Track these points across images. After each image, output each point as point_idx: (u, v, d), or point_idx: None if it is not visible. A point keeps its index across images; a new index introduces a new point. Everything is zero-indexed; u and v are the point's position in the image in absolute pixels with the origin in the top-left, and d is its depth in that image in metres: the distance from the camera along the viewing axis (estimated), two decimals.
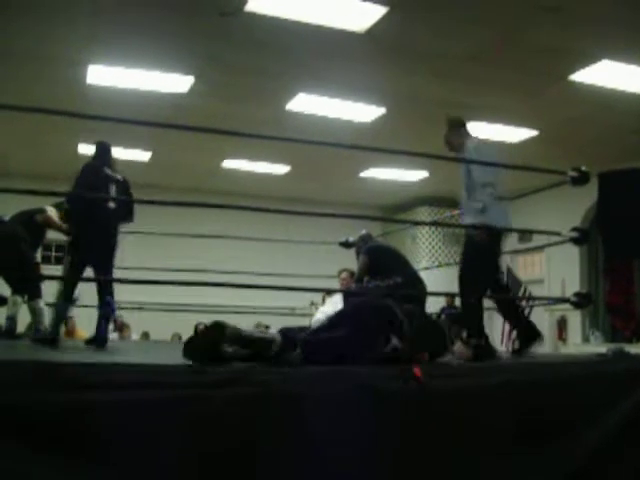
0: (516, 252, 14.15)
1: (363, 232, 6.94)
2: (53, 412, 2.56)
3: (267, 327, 9.72)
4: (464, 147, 5.38)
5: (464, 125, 5.72)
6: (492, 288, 5.32)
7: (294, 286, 6.15)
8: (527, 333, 5.49)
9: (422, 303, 6.07)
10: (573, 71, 8.21)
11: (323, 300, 9.15)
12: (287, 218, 12.84)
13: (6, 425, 2.46)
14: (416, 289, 6.00)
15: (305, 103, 9.35)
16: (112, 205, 5.75)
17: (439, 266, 12.65)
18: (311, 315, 9.77)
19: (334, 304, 7.31)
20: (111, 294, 5.84)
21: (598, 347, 8.24)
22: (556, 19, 6.94)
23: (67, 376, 2.71)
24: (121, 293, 7.14)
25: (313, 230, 11.04)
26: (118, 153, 11.16)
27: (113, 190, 5.81)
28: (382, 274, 6.02)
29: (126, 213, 6.00)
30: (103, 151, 6.10)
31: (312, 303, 11.40)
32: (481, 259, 4.91)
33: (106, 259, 5.75)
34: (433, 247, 15.12)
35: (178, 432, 2.74)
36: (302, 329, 7.70)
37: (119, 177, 5.95)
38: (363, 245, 6.63)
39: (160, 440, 2.71)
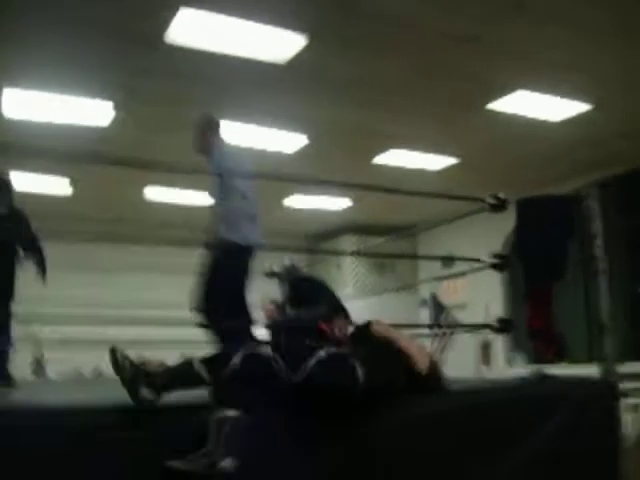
0: (439, 278, 14.36)
1: (286, 262, 6.92)
2: None
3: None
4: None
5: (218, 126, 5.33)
6: None
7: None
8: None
9: None
10: (490, 100, 8.42)
11: None
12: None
13: None
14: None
15: (229, 131, 9.31)
16: None
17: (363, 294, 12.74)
18: None
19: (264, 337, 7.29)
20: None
21: (521, 369, 8.38)
22: (474, 50, 7.12)
23: None
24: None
25: None
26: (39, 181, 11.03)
27: None
28: (306, 305, 6.01)
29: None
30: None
31: None
32: None
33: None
34: (357, 274, 15.22)
35: None
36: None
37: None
38: (287, 276, 6.62)
39: None
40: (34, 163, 9.60)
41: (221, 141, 5.20)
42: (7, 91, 7.85)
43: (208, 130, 5.18)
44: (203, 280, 4.93)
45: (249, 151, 9.77)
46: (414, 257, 16.69)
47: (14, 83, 7.71)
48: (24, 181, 10.43)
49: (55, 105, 8.17)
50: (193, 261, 5.20)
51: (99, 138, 8.98)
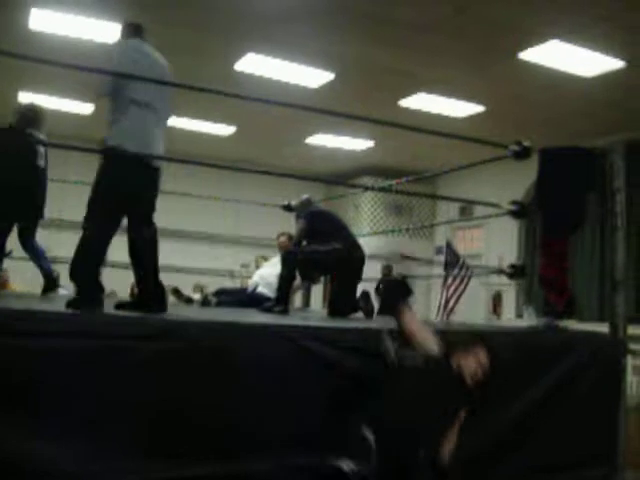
0: (456, 221, 14.36)
1: (304, 197, 6.91)
2: None
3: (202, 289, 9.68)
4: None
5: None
6: None
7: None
8: None
9: (359, 269, 6.14)
10: (523, 48, 8.26)
11: (256, 263, 9.07)
12: (229, 179, 12.76)
13: None
14: (354, 255, 6.04)
15: (254, 64, 9.24)
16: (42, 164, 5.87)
17: (376, 233, 12.75)
18: (243, 277, 9.72)
19: (272, 266, 7.32)
20: None
21: (531, 322, 8.41)
22: None
23: None
24: (57, 248, 7.04)
25: (256, 194, 11.00)
26: (61, 104, 11.00)
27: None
28: (321, 239, 6.02)
29: None
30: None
31: (242, 265, 11.29)
32: None
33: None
34: (375, 216, 15.22)
35: (107, 381, 2.73)
36: (239, 291, 7.72)
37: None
38: (303, 209, 6.60)
39: (89, 389, 2.70)
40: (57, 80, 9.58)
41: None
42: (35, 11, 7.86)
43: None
44: None
45: (275, 83, 9.72)
46: (432, 197, 16.66)
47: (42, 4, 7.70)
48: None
49: (80, 25, 8.17)
50: None
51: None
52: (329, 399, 3.17)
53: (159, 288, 4.01)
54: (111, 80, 4.02)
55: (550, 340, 4.35)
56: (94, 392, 2.71)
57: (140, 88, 4.03)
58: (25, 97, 10.90)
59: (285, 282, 5.88)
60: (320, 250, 5.89)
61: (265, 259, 8.66)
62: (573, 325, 4.81)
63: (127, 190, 3.86)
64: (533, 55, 8.40)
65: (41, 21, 8.11)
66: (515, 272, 4.60)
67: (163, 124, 4.23)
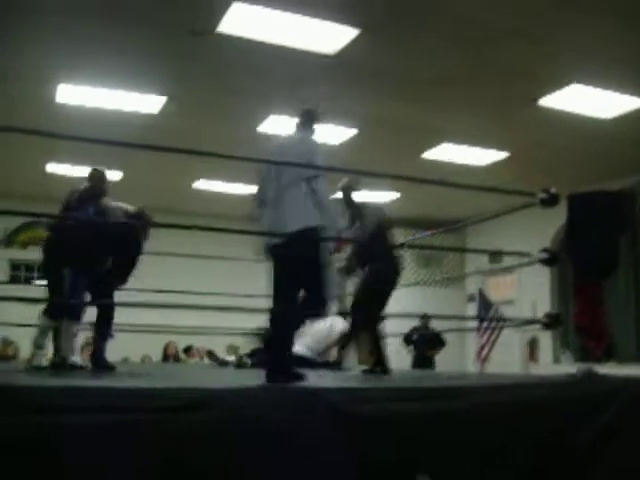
0: (487, 271, 14.27)
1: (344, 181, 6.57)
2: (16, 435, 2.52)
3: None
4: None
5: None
6: None
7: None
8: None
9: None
10: (542, 95, 8.31)
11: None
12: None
13: None
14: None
15: (277, 124, 9.36)
16: None
17: (405, 285, 12.71)
18: None
19: (307, 324, 7.28)
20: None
21: (569, 367, 8.29)
22: (523, 42, 7.03)
23: (22, 399, 2.67)
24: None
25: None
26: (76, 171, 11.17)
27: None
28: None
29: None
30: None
31: None
32: None
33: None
34: (406, 269, 15.16)
35: (140, 457, 2.70)
36: None
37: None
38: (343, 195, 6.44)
39: (122, 466, 2.67)
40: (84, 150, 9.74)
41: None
42: (61, 86, 8.07)
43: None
44: None
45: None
46: (463, 250, 16.59)
47: (67, 78, 7.90)
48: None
49: (106, 96, 8.36)
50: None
51: (148, 127, 9.10)
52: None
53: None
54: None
55: (590, 388, 4.27)
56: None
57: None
58: (53, 168, 11.12)
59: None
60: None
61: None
62: (613, 368, 4.74)
63: None
64: (553, 100, 8.44)
65: (67, 94, 8.31)
66: (551, 322, 4.56)
67: None
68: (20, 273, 13.82)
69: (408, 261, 15.11)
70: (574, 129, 9.30)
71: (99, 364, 5.63)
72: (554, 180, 5.10)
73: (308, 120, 4.80)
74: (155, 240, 9.02)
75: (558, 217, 5.67)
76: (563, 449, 3.65)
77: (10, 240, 12.12)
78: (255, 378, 4.20)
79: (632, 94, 8.30)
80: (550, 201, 4.64)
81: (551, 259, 4.69)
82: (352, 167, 5.99)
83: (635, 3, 6.24)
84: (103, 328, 5.74)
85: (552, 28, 6.76)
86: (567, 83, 7.98)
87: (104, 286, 5.73)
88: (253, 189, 4.87)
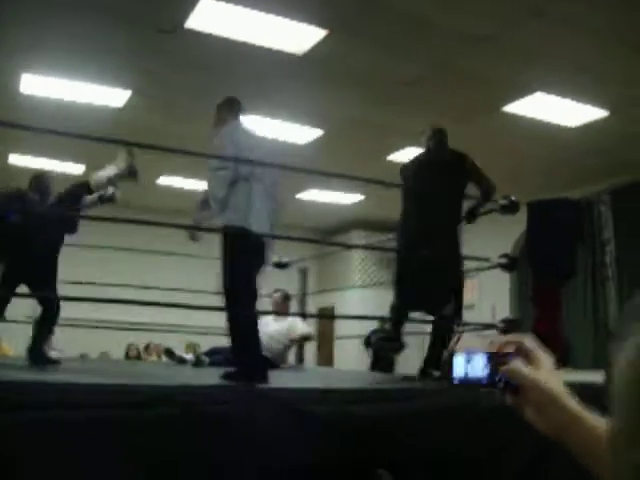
0: None
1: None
2: None
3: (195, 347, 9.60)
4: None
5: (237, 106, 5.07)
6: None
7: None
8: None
9: None
10: (506, 102, 8.39)
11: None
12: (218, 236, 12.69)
13: None
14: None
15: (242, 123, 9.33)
16: None
17: (363, 286, 12.74)
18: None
19: (264, 325, 7.27)
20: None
21: None
22: (491, 50, 7.10)
23: None
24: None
25: None
26: (51, 165, 11.06)
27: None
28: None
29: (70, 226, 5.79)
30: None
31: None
32: None
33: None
34: (366, 270, 15.20)
35: (101, 453, 2.69)
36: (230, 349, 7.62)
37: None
38: None
39: (82, 461, 2.66)
40: (47, 142, 9.62)
41: (236, 121, 4.93)
42: (25, 76, 7.96)
43: (225, 107, 5.07)
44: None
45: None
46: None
47: (31, 69, 7.80)
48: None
49: (71, 88, 8.27)
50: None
51: (113, 121, 9.03)
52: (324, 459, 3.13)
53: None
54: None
55: None
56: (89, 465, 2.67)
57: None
58: (15, 159, 10.98)
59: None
60: None
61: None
62: (568, 374, 4.80)
63: None
64: (518, 107, 8.53)
65: (32, 85, 8.21)
66: (508, 327, 4.61)
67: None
68: None
69: (368, 263, 15.18)
70: (539, 137, 9.40)
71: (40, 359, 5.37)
72: (520, 188, 5.16)
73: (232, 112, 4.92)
74: (120, 236, 8.90)
75: (520, 223, 5.72)
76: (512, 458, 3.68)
77: None
78: (212, 376, 4.20)
79: (596, 104, 8.41)
80: (510, 208, 4.70)
81: (510, 264, 4.75)
82: (317, 167, 5.99)
83: (603, 16, 6.32)
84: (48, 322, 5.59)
85: (520, 37, 6.83)
86: (532, 91, 8.07)
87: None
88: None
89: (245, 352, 4.20)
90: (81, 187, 5.77)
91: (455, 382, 1.04)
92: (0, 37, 7.12)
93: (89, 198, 5.69)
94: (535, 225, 4.80)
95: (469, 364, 1.03)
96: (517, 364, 1.01)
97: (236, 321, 4.24)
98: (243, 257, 4.23)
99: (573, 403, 0.99)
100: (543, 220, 4.73)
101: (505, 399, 1.00)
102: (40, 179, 5.87)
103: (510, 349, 1.02)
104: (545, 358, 1.03)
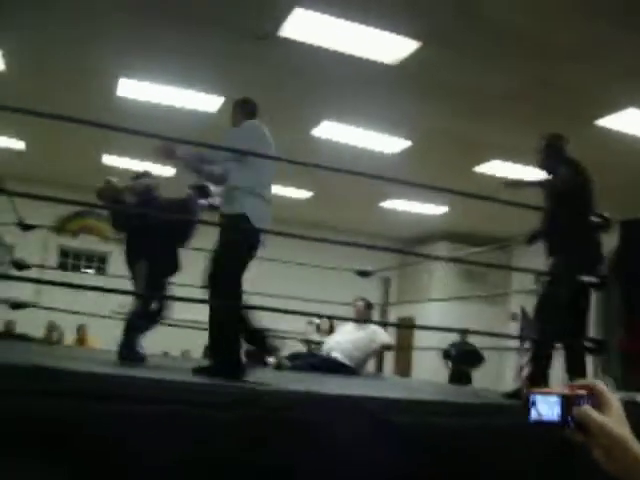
0: (531, 292, 14.07)
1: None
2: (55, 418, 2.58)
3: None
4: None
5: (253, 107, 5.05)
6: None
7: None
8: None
9: None
10: (599, 116, 8.23)
11: (318, 328, 8.98)
12: (303, 243, 12.81)
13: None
14: None
15: (330, 130, 9.41)
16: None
17: (447, 300, 12.62)
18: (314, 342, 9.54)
19: (349, 332, 7.30)
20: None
21: None
22: (586, 65, 6.98)
23: (73, 385, 2.73)
24: None
25: (324, 256, 10.97)
26: (143, 167, 11.33)
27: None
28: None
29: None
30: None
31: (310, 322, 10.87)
32: None
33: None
34: (448, 282, 15.07)
35: (181, 450, 2.73)
36: (312, 355, 7.68)
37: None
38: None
39: (162, 456, 2.71)
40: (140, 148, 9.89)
41: (248, 122, 4.84)
42: (123, 81, 8.24)
43: (238, 108, 5.08)
44: None
45: (351, 149, 9.86)
46: (507, 268, 16.41)
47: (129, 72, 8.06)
48: None
49: (166, 93, 8.52)
50: None
51: (208, 126, 9.20)
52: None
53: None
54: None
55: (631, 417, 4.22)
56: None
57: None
58: (109, 160, 11.30)
59: None
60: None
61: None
62: None
63: None
64: (610, 122, 8.35)
65: (129, 88, 8.46)
66: (595, 347, 4.51)
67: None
68: (68, 260, 14.07)
69: (451, 275, 15.04)
70: (631, 152, 9.18)
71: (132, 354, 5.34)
72: (608, 203, 5.04)
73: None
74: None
75: (607, 241, 5.60)
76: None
77: (61, 228, 12.38)
78: (295, 382, 4.22)
79: None
80: (602, 225, 4.59)
81: (600, 284, 4.64)
82: (403, 177, 5.97)
83: None
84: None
85: (614, 50, 6.70)
86: (625, 106, 7.89)
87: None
88: None
89: (226, 346, 4.17)
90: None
91: (531, 422, 1.09)
92: (101, 41, 7.35)
93: (203, 202, 5.77)
94: (628, 245, 4.68)
95: (544, 405, 1.10)
96: (587, 408, 1.06)
97: (222, 314, 4.23)
98: (240, 249, 4.31)
99: (638, 447, 1.03)
100: (637, 240, 4.62)
101: (576, 439, 1.07)
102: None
103: (582, 391, 1.09)
104: (615, 402, 1.08)
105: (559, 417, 1.09)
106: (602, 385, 1.09)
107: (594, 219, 4.48)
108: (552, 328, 4.72)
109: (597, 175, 10.21)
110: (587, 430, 1.05)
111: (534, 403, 1.11)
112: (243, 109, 4.94)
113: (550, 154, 4.95)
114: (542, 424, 1.10)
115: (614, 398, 1.08)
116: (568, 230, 4.64)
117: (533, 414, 1.11)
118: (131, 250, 5.52)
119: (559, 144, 5.12)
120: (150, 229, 5.29)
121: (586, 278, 4.62)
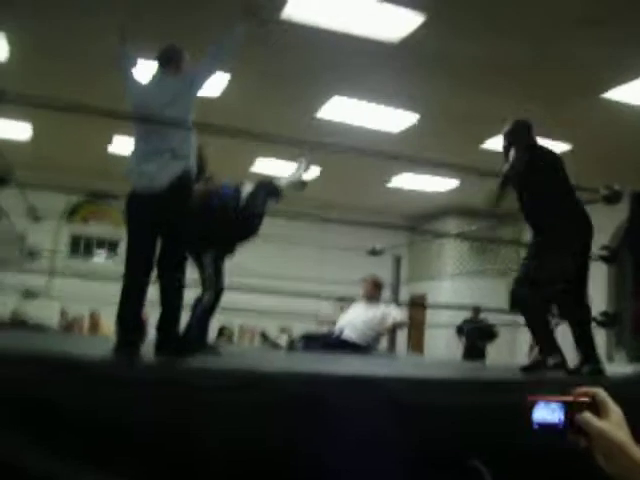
0: None
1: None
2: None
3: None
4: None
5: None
6: None
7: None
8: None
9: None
10: (608, 88, 8.15)
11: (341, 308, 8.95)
12: (314, 222, 12.84)
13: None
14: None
15: (337, 108, 9.38)
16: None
17: (458, 274, 12.60)
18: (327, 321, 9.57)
19: (359, 311, 7.30)
20: None
21: (622, 367, 8.17)
22: (591, 33, 6.90)
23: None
24: None
25: (339, 236, 10.98)
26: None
27: None
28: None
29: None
30: None
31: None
32: None
33: None
34: (460, 256, 15.02)
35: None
36: (325, 335, 7.70)
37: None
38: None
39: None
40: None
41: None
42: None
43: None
44: None
45: (358, 129, 9.83)
46: (516, 243, 16.36)
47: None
48: None
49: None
50: None
51: (207, 108, 9.17)
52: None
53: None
54: None
55: None
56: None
57: None
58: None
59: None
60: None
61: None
62: None
63: None
64: (619, 94, 8.28)
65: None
66: (607, 320, 4.49)
67: None
68: (79, 247, 14.11)
69: (462, 250, 14.99)
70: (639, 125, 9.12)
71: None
72: (616, 177, 5.00)
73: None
74: None
75: (618, 214, 5.56)
76: None
77: (72, 213, 12.44)
78: (304, 362, 4.22)
79: None
80: (613, 198, 4.57)
81: (611, 257, 4.63)
82: (412, 153, 5.94)
83: None
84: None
85: (621, 19, 6.62)
86: (633, 77, 7.82)
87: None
88: None
89: (177, 323, 3.98)
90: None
91: (535, 427, 1.19)
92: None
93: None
94: (638, 217, 4.66)
95: (547, 411, 1.19)
96: (588, 414, 1.15)
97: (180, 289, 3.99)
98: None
99: (637, 451, 1.11)
100: None
101: (579, 444, 1.15)
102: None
103: (584, 398, 1.18)
104: (614, 408, 1.17)
105: (562, 423, 1.18)
106: (602, 392, 1.18)
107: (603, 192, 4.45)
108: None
109: (606, 148, 10.24)
110: (588, 435, 1.14)
111: (538, 409, 1.20)
112: None
113: (513, 140, 4.77)
114: (546, 429, 1.19)
115: (614, 406, 1.16)
116: (546, 210, 4.57)
117: (537, 419, 1.19)
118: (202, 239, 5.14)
119: (524, 130, 4.91)
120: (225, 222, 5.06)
121: (597, 251, 4.61)
